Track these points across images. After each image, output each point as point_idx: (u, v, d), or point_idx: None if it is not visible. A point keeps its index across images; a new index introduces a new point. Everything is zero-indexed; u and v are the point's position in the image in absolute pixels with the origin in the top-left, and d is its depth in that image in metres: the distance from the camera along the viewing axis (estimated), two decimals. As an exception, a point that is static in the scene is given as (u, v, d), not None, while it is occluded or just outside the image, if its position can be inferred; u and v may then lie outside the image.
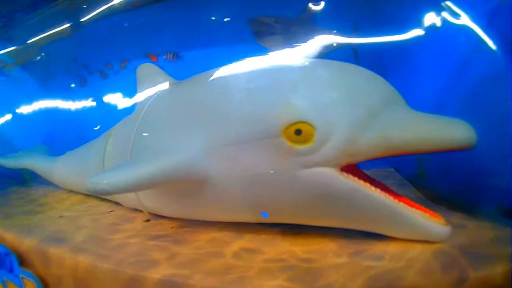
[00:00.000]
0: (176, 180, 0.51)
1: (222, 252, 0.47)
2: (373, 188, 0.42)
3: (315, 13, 0.78)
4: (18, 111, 1.30)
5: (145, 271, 0.43)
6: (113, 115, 0.84)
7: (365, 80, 0.46)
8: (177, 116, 0.57)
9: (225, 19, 0.90)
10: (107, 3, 0.96)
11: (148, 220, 0.65)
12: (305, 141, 0.42)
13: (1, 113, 1.30)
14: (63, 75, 1.24)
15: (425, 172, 0.65)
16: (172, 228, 0.59)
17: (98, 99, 1.15)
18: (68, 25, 1.04)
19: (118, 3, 0.95)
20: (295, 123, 0.42)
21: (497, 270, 0.36)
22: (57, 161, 0.98)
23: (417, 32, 0.63)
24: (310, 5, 0.77)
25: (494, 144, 0.45)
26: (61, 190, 0.99)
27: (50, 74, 1.24)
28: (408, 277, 0.36)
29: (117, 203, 0.77)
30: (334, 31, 0.72)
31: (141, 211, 0.68)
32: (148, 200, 0.63)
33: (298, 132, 0.42)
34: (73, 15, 1.01)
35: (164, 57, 0.98)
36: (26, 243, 0.59)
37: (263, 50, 0.88)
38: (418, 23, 0.63)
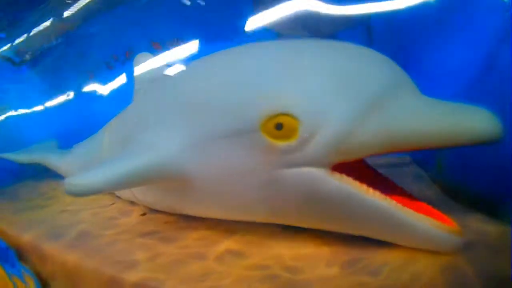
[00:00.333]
0: (155, 179, 0.49)
1: (205, 254, 0.44)
2: (371, 191, 0.35)
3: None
4: (28, 106, 1.33)
5: (123, 273, 0.42)
6: (120, 106, 0.83)
7: (366, 62, 0.39)
8: (160, 109, 0.53)
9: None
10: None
11: (144, 214, 0.64)
12: (288, 136, 0.36)
13: (11, 109, 1.32)
14: (71, 69, 1.25)
15: (444, 163, 0.58)
16: (165, 223, 0.57)
17: (106, 91, 1.15)
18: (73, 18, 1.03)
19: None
20: (275, 116, 0.36)
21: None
22: (64, 154, 1.00)
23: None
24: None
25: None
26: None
27: (57, 68, 1.25)
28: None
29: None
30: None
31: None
32: (141, 194, 0.62)
33: (279, 126, 0.36)
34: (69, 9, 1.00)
35: (169, 45, 0.95)
36: (25, 238, 0.60)
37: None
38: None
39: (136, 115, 0.60)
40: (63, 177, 1.03)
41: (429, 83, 0.42)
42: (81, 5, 0.96)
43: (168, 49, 0.88)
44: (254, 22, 0.75)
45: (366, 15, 0.74)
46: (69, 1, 0.96)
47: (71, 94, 1.24)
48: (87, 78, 1.18)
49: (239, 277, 0.37)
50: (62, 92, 1.25)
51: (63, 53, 1.21)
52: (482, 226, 0.39)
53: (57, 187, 0.97)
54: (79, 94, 1.22)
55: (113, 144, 0.66)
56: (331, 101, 0.35)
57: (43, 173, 1.09)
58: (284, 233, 0.46)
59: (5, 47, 1.23)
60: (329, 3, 0.66)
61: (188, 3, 0.89)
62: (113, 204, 0.72)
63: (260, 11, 0.73)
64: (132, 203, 0.70)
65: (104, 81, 1.14)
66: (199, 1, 0.89)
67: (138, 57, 0.76)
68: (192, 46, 0.85)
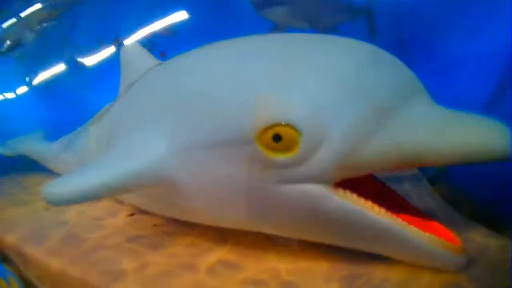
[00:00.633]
0: (141, 187, 0.45)
1: (196, 265, 0.42)
2: (376, 208, 0.33)
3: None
4: (13, 96, 1.27)
5: (109, 285, 0.39)
6: (109, 96, 0.79)
7: (374, 65, 0.35)
8: (147, 107, 0.48)
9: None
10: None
11: (132, 214, 0.61)
12: (287, 149, 0.32)
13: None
14: (57, 56, 1.18)
15: (445, 169, 0.56)
16: (153, 225, 0.55)
17: (94, 79, 1.10)
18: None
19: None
20: (272, 126, 0.32)
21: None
22: (51, 146, 0.95)
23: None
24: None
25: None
26: (56, 177, 0.96)
27: (44, 55, 1.19)
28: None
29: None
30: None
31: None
32: (128, 195, 0.59)
33: (277, 138, 0.32)
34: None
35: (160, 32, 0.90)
36: (7, 240, 0.57)
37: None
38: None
39: (122, 112, 0.56)
40: (50, 170, 1.00)
41: (438, 83, 0.40)
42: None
43: (157, 39, 0.84)
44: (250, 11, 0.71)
45: (368, 6, 0.70)
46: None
47: (58, 83, 1.18)
48: (75, 66, 1.12)
49: (232, 293, 0.36)
50: (49, 81, 1.19)
51: (49, 41, 1.15)
52: (484, 239, 0.38)
53: (43, 182, 0.93)
54: (66, 83, 1.17)
55: (100, 140, 0.62)
56: (336, 111, 0.32)
57: (30, 166, 1.04)
58: (276, 242, 0.44)
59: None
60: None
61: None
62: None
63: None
64: (120, 201, 0.67)
65: (92, 69, 1.08)
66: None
67: (126, 47, 0.71)
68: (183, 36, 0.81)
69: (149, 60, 0.65)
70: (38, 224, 0.61)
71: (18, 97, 1.25)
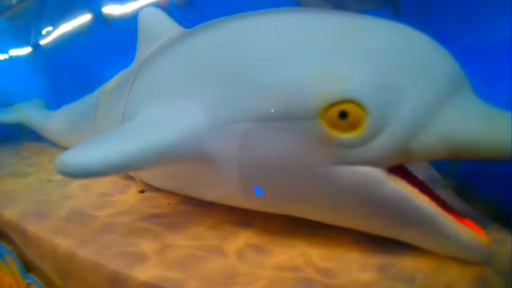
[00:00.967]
0: (168, 162, 0.41)
1: (223, 248, 0.39)
2: (421, 196, 0.32)
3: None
4: (11, 61, 1.19)
5: (129, 269, 0.36)
6: (116, 66, 0.73)
7: (432, 51, 0.34)
8: (178, 76, 0.44)
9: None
10: None
11: (143, 191, 0.57)
12: (352, 128, 0.30)
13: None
14: (63, 22, 1.10)
15: (457, 164, 0.55)
16: (168, 204, 0.51)
17: (101, 48, 1.03)
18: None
19: None
20: (340, 102, 0.30)
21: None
22: (51, 116, 0.90)
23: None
24: None
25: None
26: (55, 147, 0.92)
27: (49, 21, 1.11)
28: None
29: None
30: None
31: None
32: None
33: (343, 114, 0.30)
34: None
35: (176, 2, 0.84)
36: (6, 215, 0.52)
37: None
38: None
39: (147, 79, 0.51)
40: (48, 140, 0.94)
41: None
42: None
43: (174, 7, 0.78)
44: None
45: None
46: None
47: (61, 49, 1.10)
48: (81, 32, 1.04)
49: (271, 280, 0.33)
50: (51, 46, 1.11)
51: (53, 3, 1.06)
52: (500, 235, 0.37)
53: (42, 152, 0.88)
54: (70, 50, 1.09)
55: (111, 113, 0.57)
56: (402, 94, 0.30)
57: (28, 134, 0.99)
58: (306, 227, 0.41)
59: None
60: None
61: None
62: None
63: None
64: (127, 176, 0.63)
65: (99, 36, 1.01)
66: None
67: (145, 11, 0.63)
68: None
69: (171, 25, 0.60)
70: (39, 197, 0.57)
71: (16, 63, 1.18)
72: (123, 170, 0.44)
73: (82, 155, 0.37)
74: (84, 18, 1.05)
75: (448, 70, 0.33)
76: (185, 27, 0.62)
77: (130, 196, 0.56)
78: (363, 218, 0.35)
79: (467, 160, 0.51)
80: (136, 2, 0.95)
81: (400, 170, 0.34)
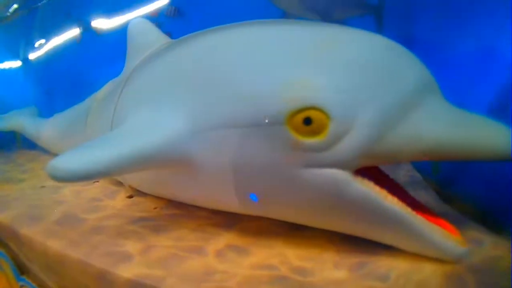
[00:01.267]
0: (152, 166, 0.44)
1: (204, 249, 0.41)
2: (389, 197, 0.34)
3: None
4: (5, 70, 1.21)
5: (114, 267, 0.38)
6: (108, 74, 0.76)
7: (399, 58, 0.36)
8: (162, 85, 0.47)
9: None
10: None
11: (131, 196, 0.60)
12: (316, 133, 0.32)
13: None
14: (57, 31, 1.13)
15: (440, 166, 0.57)
16: (154, 208, 0.54)
17: (93, 57, 1.06)
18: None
19: None
20: (304, 109, 0.32)
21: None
22: (44, 123, 0.92)
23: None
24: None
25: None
26: (48, 155, 0.94)
27: (43, 30, 1.13)
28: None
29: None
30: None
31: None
32: (129, 174, 0.57)
33: (307, 121, 0.32)
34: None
35: (166, 12, 0.87)
36: (0, 219, 0.54)
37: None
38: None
39: (135, 88, 0.53)
40: (41, 147, 0.97)
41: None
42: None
43: (164, 17, 0.81)
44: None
45: (378, 3, 0.71)
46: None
47: (55, 58, 1.13)
48: (74, 42, 1.07)
49: (245, 278, 0.35)
50: (45, 55, 1.13)
51: (47, 12, 1.09)
52: (477, 235, 0.39)
53: (35, 159, 0.90)
54: (63, 58, 1.12)
55: (101, 120, 0.60)
56: (364, 99, 0.32)
57: (21, 142, 1.01)
58: (285, 228, 0.43)
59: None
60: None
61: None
62: (96, 181, 0.67)
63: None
64: (118, 182, 0.65)
65: (92, 46, 1.04)
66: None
67: (134, 22, 0.67)
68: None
69: (158, 36, 0.63)
70: (32, 202, 0.59)
71: (11, 71, 1.20)
72: (111, 173, 0.46)
73: (72, 160, 0.39)
74: (77, 28, 1.08)
75: (416, 76, 0.35)
76: (174, 36, 0.65)
77: (119, 201, 0.58)
78: (334, 218, 0.37)
79: (449, 162, 0.54)
80: (127, 12, 0.98)
81: (373, 172, 0.36)
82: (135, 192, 0.60)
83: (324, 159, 0.33)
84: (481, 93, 0.50)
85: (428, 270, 0.34)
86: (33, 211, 0.55)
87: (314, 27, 0.40)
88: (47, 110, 1.04)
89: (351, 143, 0.32)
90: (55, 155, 0.92)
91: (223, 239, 0.43)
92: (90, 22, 1.02)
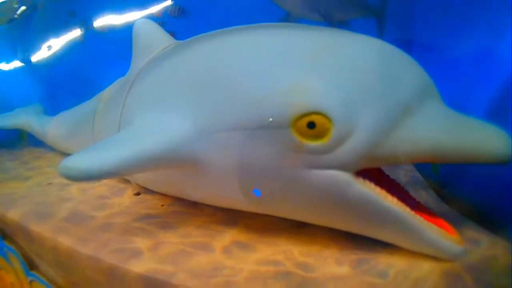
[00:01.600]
0: (160, 166, 0.45)
1: (211, 245, 0.42)
2: (389, 197, 0.35)
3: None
4: (14, 68, 1.22)
5: (125, 263, 0.39)
6: (112, 74, 0.77)
7: (399, 63, 0.37)
8: (170, 87, 0.48)
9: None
10: None
11: (138, 194, 0.61)
12: (319, 137, 0.34)
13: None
14: (61, 30, 1.14)
15: (439, 166, 0.58)
16: (162, 206, 0.55)
17: (97, 56, 1.07)
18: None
19: None
20: (309, 114, 0.34)
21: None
22: (50, 121, 0.93)
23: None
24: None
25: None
26: (54, 152, 0.95)
27: (46, 29, 1.14)
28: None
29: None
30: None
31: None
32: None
33: (311, 125, 0.34)
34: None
35: (169, 12, 0.88)
36: (9, 216, 0.55)
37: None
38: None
39: (142, 89, 0.54)
40: (47, 145, 0.98)
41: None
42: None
43: (167, 17, 0.82)
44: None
45: (382, 6, 0.72)
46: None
47: (58, 56, 1.13)
48: (77, 41, 1.08)
49: (251, 273, 0.36)
50: (49, 53, 1.14)
51: (52, 11, 1.10)
52: (475, 235, 0.40)
53: (40, 157, 0.92)
54: (67, 57, 1.13)
55: (108, 120, 0.61)
56: (366, 105, 0.34)
57: (27, 139, 1.02)
58: (288, 225, 0.45)
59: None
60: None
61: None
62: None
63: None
64: (124, 180, 0.66)
65: (95, 45, 1.05)
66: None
67: (139, 22, 0.68)
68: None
69: (164, 37, 0.64)
70: (40, 199, 0.60)
71: (16, 69, 1.21)
72: (121, 173, 0.47)
73: (84, 160, 0.41)
74: (80, 27, 1.09)
75: (416, 81, 0.36)
76: (178, 35, 0.66)
77: (126, 198, 0.59)
78: (336, 217, 0.39)
79: (448, 165, 0.55)
80: (132, 11, 0.99)
81: (375, 172, 0.37)
82: (142, 190, 0.61)
83: (327, 161, 0.34)
84: (481, 95, 0.51)
85: (426, 267, 0.35)
86: (41, 208, 0.56)
87: (317, 33, 0.41)
88: (51, 108, 1.05)
89: (352, 146, 0.34)
90: (61, 153, 0.94)
91: (228, 235, 0.44)
92: (94, 21, 1.03)
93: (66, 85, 1.14)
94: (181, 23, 0.89)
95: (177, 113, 0.43)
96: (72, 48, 1.11)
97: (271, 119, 0.36)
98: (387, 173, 0.42)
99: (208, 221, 0.48)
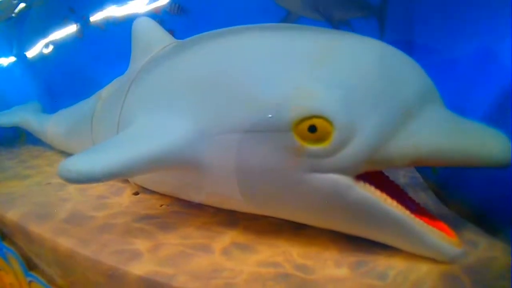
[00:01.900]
0: (162, 168, 0.45)
1: (211, 246, 0.42)
2: (389, 200, 0.36)
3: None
4: (11, 65, 1.21)
5: (125, 265, 0.39)
6: (111, 71, 0.76)
7: (401, 66, 0.37)
8: (170, 87, 0.48)
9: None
10: None
11: (137, 193, 0.61)
12: (320, 140, 0.34)
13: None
14: (59, 26, 1.13)
15: (438, 169, 0.59)
16: (161, 206, 0.55)
17: (96, 53, 1.06)
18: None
19: None
20: (310, 117, 0.34)
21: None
22: (49, 119, 0.93)
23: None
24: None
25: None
26: (53, 151, 0.95)
27: (45, 25, 1.13)
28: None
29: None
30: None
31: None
32: None
33: (312, 129, 0.34)
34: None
35: (168, 9, 0.88)
36: (8, 217, 0.55)
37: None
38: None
39: (142, 89, 0.54)
40: (45, 143, 0.98)
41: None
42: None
43: (167, 14, 0.81)
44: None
45: (381, 4, 0.72)
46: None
47: (56, 54, 1.13)
48: (76, 37, 1.07)
49: (251, 274, 0.36)
50: (47, 50, 1.14)
51: (50, 7, 1.09)
52: (473, 237, 0.41)
53: (39, 155, 0.91)
54: (65, 54, 1.12)
55: (107, 120, 0.61)
56: (367, 109, 0.34)
57: (25, 138, 1.02)
58: (288, 227, 0.45)
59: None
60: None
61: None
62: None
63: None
64: (122, 179, 0.66)
65: (95, 42, 1.04)
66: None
67: (139, 20, 0.67)
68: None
69: (163, 35, 0.64)
70: (40, 200, 0.60)
71: (13, 66, 1.20)
72: (122, 176, 0.47)
73: (84, 162, 0.40)
74: (79, 24, 1.08)
75: (417, 85, 0.36)
76: (177, 33, 0.66)
77: (125, 198, 0.59)
78: (335, 220, 0.39)
79: (447, 168, 0.55)
80: (130, 7, 0.98)
81: (375, 174, 0.37)
82: (140, 189, 0.61)
83: (328, 165, 0.35)
84: (481, 97, 0.51)
85: (425, 269, 0.35)
86: (41, 208, 0.56)
87: (319, 35, 0.41)
88: (49, 106, 1.04)
89: (353, 150, 0.34)
90: (59, 151, 0.94)
91: (228, 237, 0.44)
92: (93, 18, 1.03)
93: (64, 82, 1.13)
94: (180, 21, 0.88)
95: (178, 115, 0.43)
96: (70, 46, 1.11)
97: (270, 115, 0.36)
98: (387, 174, 0.42)
99: (208, 222, 0.49)
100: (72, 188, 0.65)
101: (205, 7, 0.86)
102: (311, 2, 0.72)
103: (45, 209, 0.55)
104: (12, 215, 0.55)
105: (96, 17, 1.03)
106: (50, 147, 0.98)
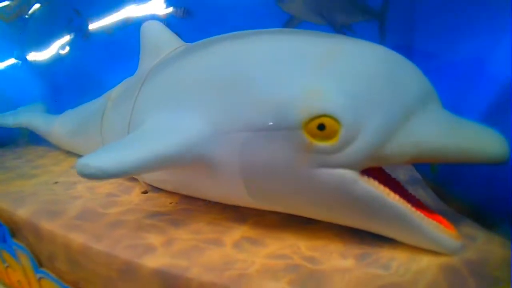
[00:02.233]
0: (176, 165, 0.47)
1: (222, 240, 0.44)
2: (392, 194, 0.38)
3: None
4: (12, 66, 1.22)
5: (140, 258, 0.41)
6: (117, 73, 0.78)
7: (403, 70, 0.40)
8: (181, 88, 0.50)
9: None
10: None
11: (146, 192, 0.62)
12: (328, 138, 0.36)
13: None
14: (65, 28, 1.14)
15: (438, 166, 0.61)
16: (170, 203, 0.57)
17: (102, 55, 1.07)
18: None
19: None
20: (319, 117, 0.36)
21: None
22: (55, 120, 0.94)
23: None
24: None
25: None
26: (59, 151, 0.96)
27: (50, 26, 1.14)
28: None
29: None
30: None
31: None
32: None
33: (321, 127, 0.36)
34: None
35: (174, 13, 0.89)
36: (18, 214, 0.56)
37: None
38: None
39: (149, 92, 0.56)
40: (49, 143, 0.99)
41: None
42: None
43: (172, 18, 0.83)
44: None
45: (383, 10, 0.74)
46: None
47: (61, 54, 1.14)
48: (81, 39, 1.09)
49: (263, 266, 0.38)
50: (51, 52, 1.15)
51: (55, 9, 1.10)
52: (471, 231, 0.42)
53: (44, 155, 0.92)
54: (70, 56, 1.13)
55: (117, 120, 0.62)
56: (371, 108, 0.36)
57: (30, 138, 1.03)
58: (295, 222, 0.47)
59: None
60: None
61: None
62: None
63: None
64: (131, 178, 0.67)
65: (101, 44, 1.05)
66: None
67: (147, 24, 0.69)
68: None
69: (172, 38, 0.66)
70: (50, 197, 0.61)
71: (18, 67, 1.21)
72: (137, 172, 0.49)
73: (103, 159, 0.42)
74: (85, 25, 1.09)
75: (417, 86, 0.39)
76: (183, 36, 0.68)
77: (134, 196, 0.61)
78: (341, 213, 0.41)
79: (446, 165, 0.57)
80: (137, 11, 1.00)
81: (377, 171, 0.39)
82: (149, 188, 0.63)
83: (335, 160, 0.37)
84: (480, 98, 0.53)
85: (425, 261, 0.37)
86: (51, 206, 0.57)
87: (327, 40, 0.43)
88: (53, 107, 1.05)
89: (358, 147, 0.36)
90: (64, 151, 0.95)
91: (238, 231, 0.46)
92: (98, 20, 1.04)
93: (69, 84, 1.14)
94: (186, 25, 0.90)
95: (191, 114, 0.45)
96: (75, 48, 1.12)
97: (281, 116, 0.38)
98: (388, 172, 0.44)
99: (218, 218, 0.50)
100: (80, 186, 0.66)
101: (210, 11, 0.88)
102: (315, 7, 0.75)
103: (55, 207, 0.57)
104: (23, 212, 0.56)
105: (101, 20, 1.05)
106: (54, 147, 0.99)
